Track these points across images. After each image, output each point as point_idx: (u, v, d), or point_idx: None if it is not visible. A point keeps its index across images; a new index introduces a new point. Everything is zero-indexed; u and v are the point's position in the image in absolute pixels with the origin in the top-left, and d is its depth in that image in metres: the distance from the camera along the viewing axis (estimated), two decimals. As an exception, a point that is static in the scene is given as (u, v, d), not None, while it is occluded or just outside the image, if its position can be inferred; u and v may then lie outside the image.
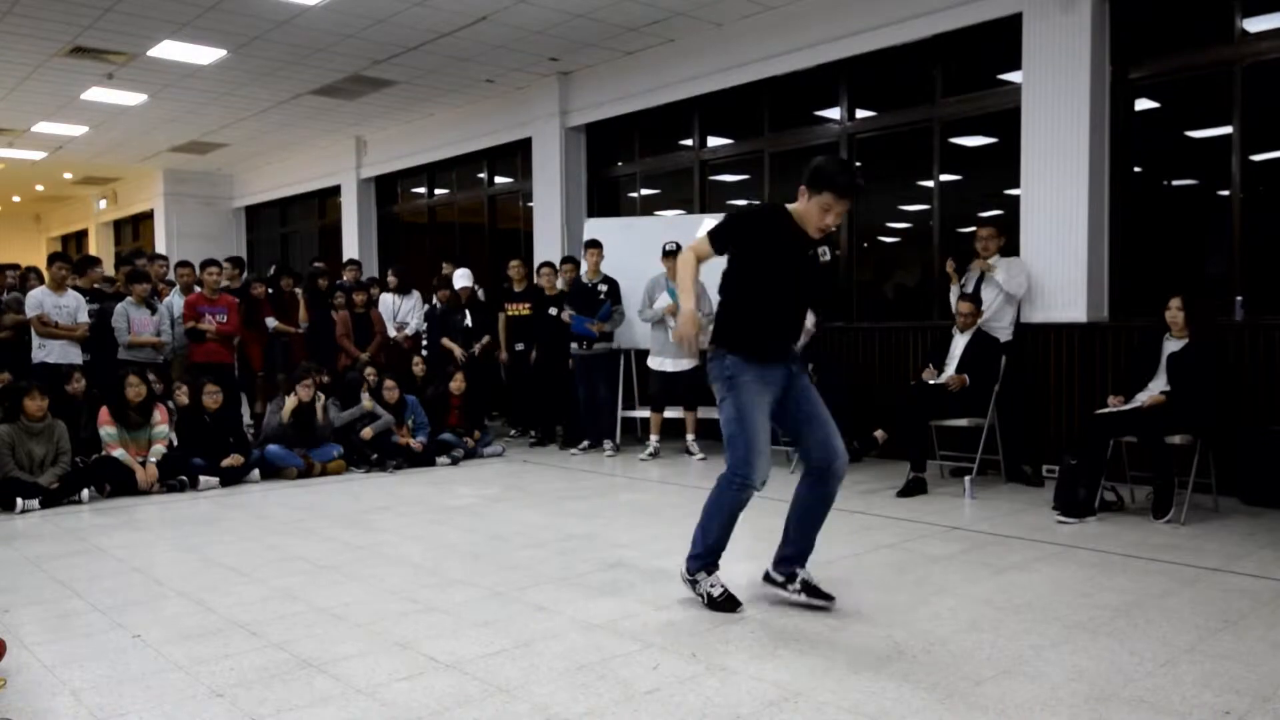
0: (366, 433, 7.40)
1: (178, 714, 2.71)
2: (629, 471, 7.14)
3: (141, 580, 4.21)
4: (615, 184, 10.20)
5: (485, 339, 8.76)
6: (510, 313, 8.71)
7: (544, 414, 8.73)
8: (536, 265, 8.88)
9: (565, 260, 8.63)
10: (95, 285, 8.28)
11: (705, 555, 3.59)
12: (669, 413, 7.76)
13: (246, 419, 8.47)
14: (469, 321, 8.76)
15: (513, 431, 9.32)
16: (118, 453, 6.38)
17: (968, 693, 2.76)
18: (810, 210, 3.32)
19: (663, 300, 7.52)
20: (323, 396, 7.40)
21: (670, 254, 7.53)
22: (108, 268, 9.69)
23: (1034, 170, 6.51)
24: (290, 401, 7.18)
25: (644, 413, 8.09)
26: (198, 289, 8.07)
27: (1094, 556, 4.36)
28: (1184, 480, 5.09)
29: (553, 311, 8.21)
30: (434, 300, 9.13)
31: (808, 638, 3.26)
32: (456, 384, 8.02)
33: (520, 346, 8.65)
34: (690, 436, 7.68)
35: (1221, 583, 3.90)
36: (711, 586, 3.56)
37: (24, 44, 8.76)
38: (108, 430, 6.43)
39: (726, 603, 3.52)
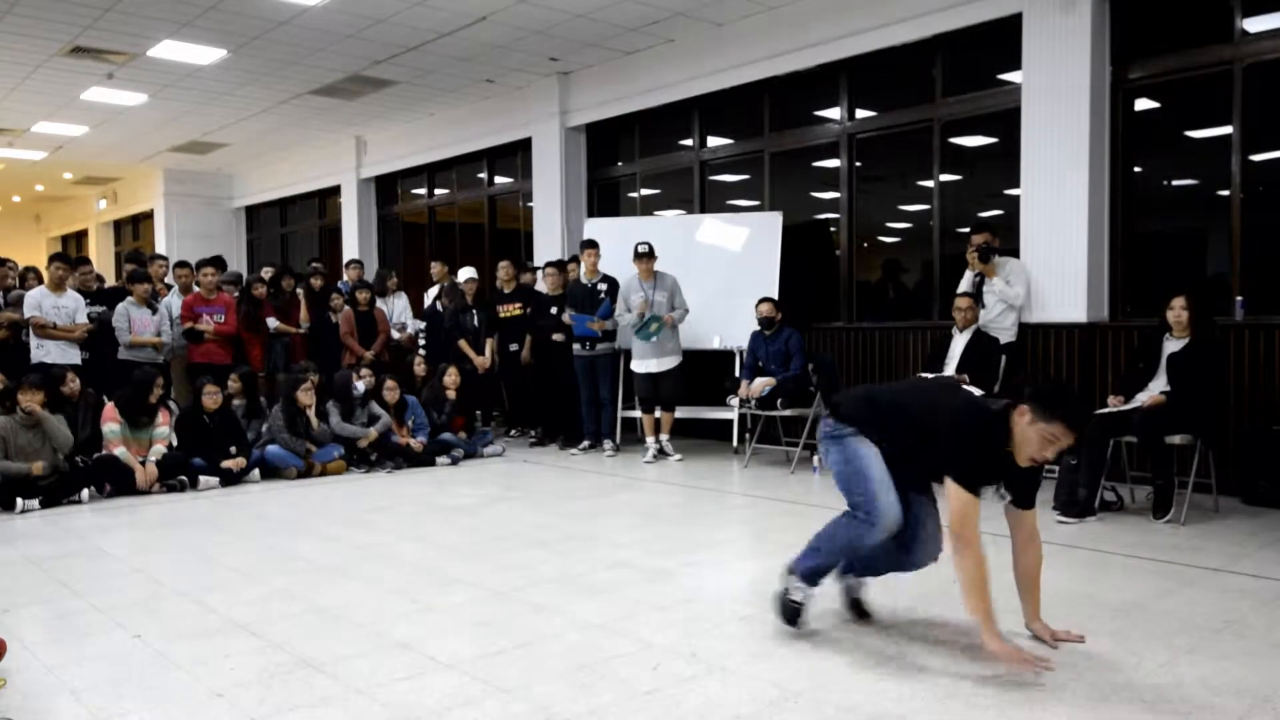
0: (371, 433, 7.39)
1: (178, 714, 2.71)
2: (629, 471, 7.14)
3: (141, 580, 4.21)
4: (615, 184, 10.20)
5: (516, 347, 8.75)
6: (503, 314, 8.73)
7: (544, 414, 8.73)
8: (540, 265, 8.88)
9: (555, 263, 8.62)
10: (91, 286, 8.24)
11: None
12: (656, 412, 7.74)
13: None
14: (477, 320, 8.75)
15: (513, 431, 9.33)
16: (118, 451, 6.38)
17: (968, 693, 2.76)
18: (1029, 436, 2.92)
19: (637, 301, 7.50)
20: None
21: (642, 255, 7.50)
22: (107, 268, 9.66)
23: (1034, 170, 6.50)
24: (305, 398, 7.22)
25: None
26: (196, 289, 8.08)
27: (1094, 556, 4.36)
28: (1184, 480, 5.09)
29: (554, 311, 8.21)
30: (437, 304, 9.12)
31: (808, 638, 3.25)
32: (451, 378, 8.01)
33: (514, 347, 8.67)
34: (665, 437, 7.64)
35: (1221, 583, 3.89)
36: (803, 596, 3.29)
37: (24, 44, 8.76)
38: (111, 427, 6.43)
39: (796, 615, 3.29)
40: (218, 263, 8.69)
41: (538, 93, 10.13)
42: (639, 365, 7.63)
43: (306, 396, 7.22)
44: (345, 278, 10.12)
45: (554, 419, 8.62)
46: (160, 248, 14.99)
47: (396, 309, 9.56)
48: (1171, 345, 5.30)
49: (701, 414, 7.90)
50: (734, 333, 7.82)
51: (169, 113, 11.50)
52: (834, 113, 8.07)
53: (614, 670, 2.98)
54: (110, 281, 9.74)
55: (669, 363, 7.57)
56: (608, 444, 8.01)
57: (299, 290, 9.15)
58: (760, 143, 8.61)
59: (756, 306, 7.35)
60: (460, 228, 12.42)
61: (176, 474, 6.50)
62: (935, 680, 2.86)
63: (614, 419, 8.19)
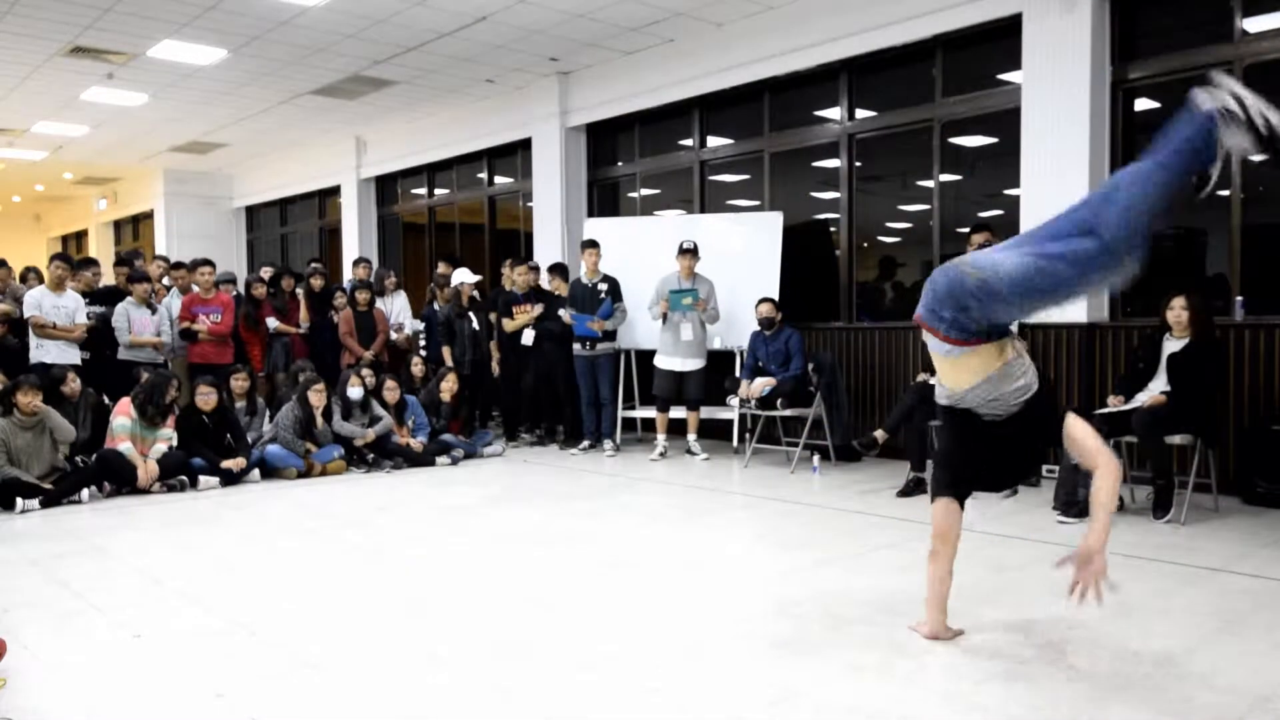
0: (369, 434, 7.39)
1: (178, 714, 2.71)
2: (629, 471, 7.14)
3: (141, 580, 4.21)
4: (615, 184, 10.20)
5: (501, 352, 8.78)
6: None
7: (544, 414, 8.73)
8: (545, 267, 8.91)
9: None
10: (93, 288, 8.24)
11: None
12: (671, 412, 7.75)
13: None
14: (475, 324, 8.73)
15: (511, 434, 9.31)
16: (123, 446, 6.38)
17: (968, 693, 2.76)
18: None
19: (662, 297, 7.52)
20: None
21: (686, 252, 7.51)
22: (107, 269, 9.66)
23: (1034, 170, 6.50)
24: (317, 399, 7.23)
25: (644, 412, 8.08)
26: (194, 289, 8.09)
27: (1094, 556, 4.35)
28: (1184, 480, 5.10)
29: (560, 312, 8.21)
30: (435, 304, 9.12)
31: (808, 638, 3.26)
32: (449, 384, 8.01)
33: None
34: (692, 436, 7.67)
35: (1221, 583, 3.90)
36: None
37: (24, 44, 8.75)
38: (122, 421, 6.42)
39: None
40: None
41: (538, 93, 10.13)
42: (664, 362, 7.63)
43: (318, 398, 7.23)
44: (352, 274, 10.10)
45: (554, 419, 8.63)
46: (160, 248, 14.99)
47: (395, 309, 9.55)
48: (1171, 345, 5.30)
49: (702, 414, 7.88)
50: (734, 333, 7.83)
51: (169, 113, 11.50)
52: (834, 113, 8.07)
53: (615, 670, 2.98)
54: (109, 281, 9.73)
55: (695, 364, 7.58)
56: (608, 444, 8.01)
57: (299, 290, 9.15)
58: (760, 143, 8.61)
59: (756, 307, 7.35)
60: (460, 228, 12.42)
61: (177, 474, 6.50)
62: (936, 680, 2.86)
63: (614, 419, 8.20)
